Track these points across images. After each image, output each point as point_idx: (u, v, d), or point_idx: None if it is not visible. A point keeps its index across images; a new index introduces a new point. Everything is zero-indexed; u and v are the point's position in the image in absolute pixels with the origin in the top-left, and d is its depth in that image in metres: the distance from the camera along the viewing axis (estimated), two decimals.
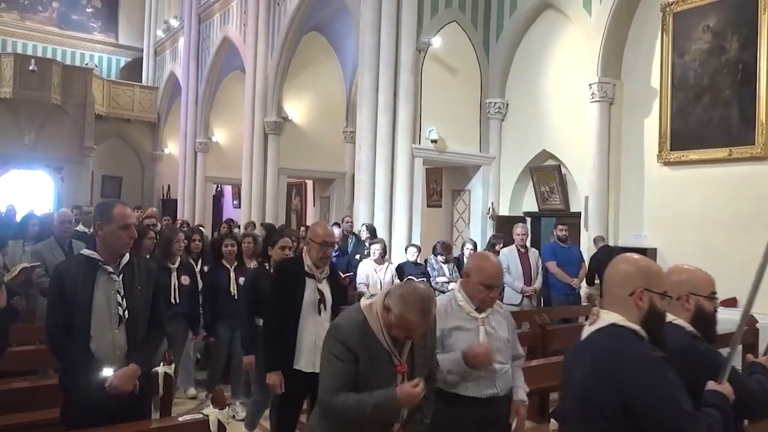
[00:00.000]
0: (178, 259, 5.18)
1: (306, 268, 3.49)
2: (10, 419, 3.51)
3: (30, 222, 6.02)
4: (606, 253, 7.98)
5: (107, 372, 2.59)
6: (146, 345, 2.78)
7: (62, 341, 2.63)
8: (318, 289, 3.51)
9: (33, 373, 4.40)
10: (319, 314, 3.47)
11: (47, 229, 5.92)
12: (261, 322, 3.94)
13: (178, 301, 5.04)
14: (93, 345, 2.62)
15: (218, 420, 2.51)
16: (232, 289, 5.27)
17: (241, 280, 5.06)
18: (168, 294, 4.82)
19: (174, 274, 5.09)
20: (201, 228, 11.21)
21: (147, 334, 2.79)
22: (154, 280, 2.86)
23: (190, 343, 5.51)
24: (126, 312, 2.66)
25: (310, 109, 14.33)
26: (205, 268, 5.85)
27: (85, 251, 2.76)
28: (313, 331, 3.44)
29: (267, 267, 4.32)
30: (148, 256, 4.98)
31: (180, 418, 2.58)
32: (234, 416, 4.95)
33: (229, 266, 5.44)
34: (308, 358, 3.42)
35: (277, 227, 9.74)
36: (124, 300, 2.67)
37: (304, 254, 3.58)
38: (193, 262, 5.75)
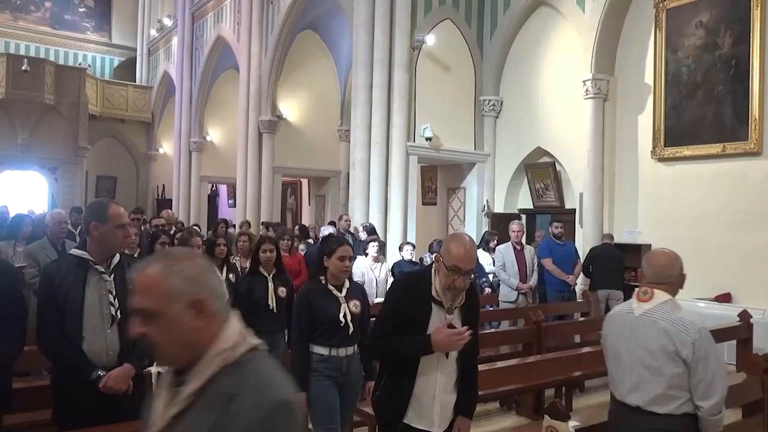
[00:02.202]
0: None
1: (433, 292, 2.55)
2: (6, 420, 3.49)
3: (23, 222, 5.98)
4: (601, 250, 8.04)
5: (100, 372, 2.58)
6: (140, 345, 2.76)
7: (54, 342, 2.61)
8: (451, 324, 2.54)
9: (27, 374, 4.38)
10: (446, 356, 2.53)
11: (39, 229, 5.89)
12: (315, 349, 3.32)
13: None
14: (85, 346, 2.60)
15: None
16: (270, 302, 4.50)
17: (281, 290, 4.55)
18: None
19: None
20: (197, 228, 11.20)
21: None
22: None
23: None
24: (118, 312, 2.65)
25: (305, 107, 14.30)
26: (231, 276, 5.20)
27: (75, 251, 2.73)
28: (433, 379, 2.54)
29: (323, 281, 3.38)
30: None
31: None
32: None
33: (267, 274, 4.61)
34: (427, 414, 2.54)
35: (272, 225, 9.74)
36: (116, 300, 2.65)
37: (432, 273, 2.62)
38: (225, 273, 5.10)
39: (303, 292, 3.45)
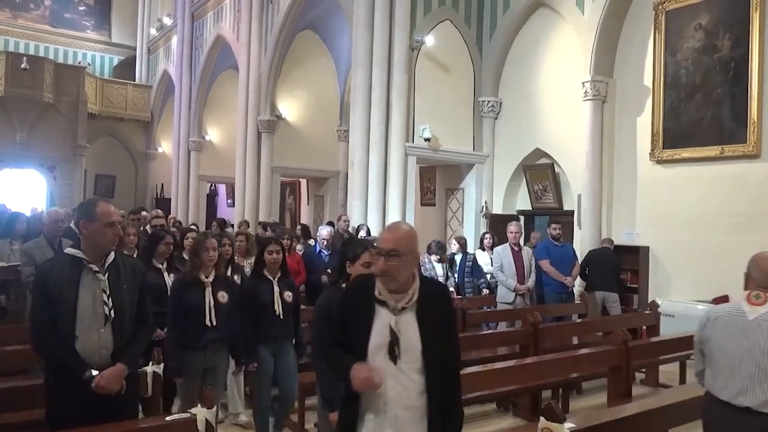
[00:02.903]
0: (212, 270, 4.05)
1: (376, 292, 2.27)
2: (2, 419, 3.48)
3: (17, 220, 5.98)
4: (598, 252, 8.06)
5: (93, 372, 2.57)
6: (133, 344, 2.75)
7: (46, 341, 2.60)
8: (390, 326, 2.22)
9: (22, 372, 4.37)
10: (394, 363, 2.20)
11: (35, 228, 5.88)
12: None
13: (215, 323, 3.93)
14: (78, 345, 2.59)
15: (206, 419, 2.49)
16: (276, 308, 4.19)
17: (287, 295, 4.26)
18: (202, 315, 3.89)
19: (209, 290, 3.96)
20: (194, 227, 11.17)
21: (134, 333, 2.76)
22: (141, 278, 2.84)
23: (234, 375, 4.60)
24: (112, 311, 2.63)
25: (304, 107, 14.29)
26: (236, 277, 4.95)
27: (70, 250, 2.73)
28: (382, 394, 2.20)
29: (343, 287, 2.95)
30: (163, 264, 4.62)
31: (167, 418, 2.56)
32: None
33: (271, 278, 4.27)
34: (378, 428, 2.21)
35: (270, 225, 9.71)
36: (110, 299, 2.64)
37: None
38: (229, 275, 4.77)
39: (325, 302, 2.98)
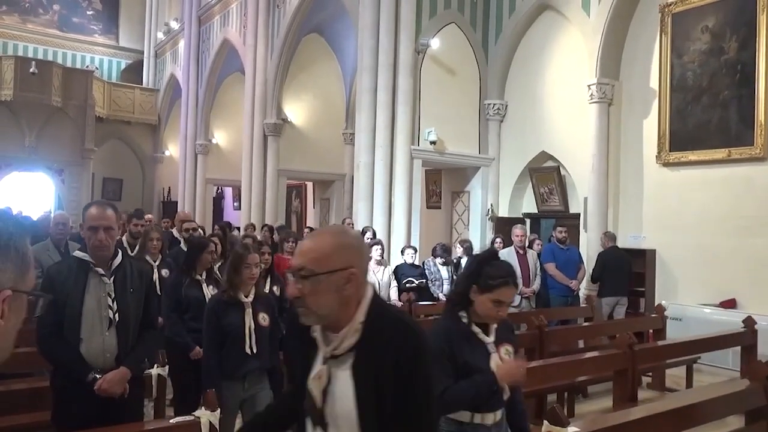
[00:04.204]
0: (252, 288, 3.52)
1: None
2: (8, 421, 3.51)
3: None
4: (613, 256, 7.88)
5: (96, 375, 2.58)
6: (138, 348, 2.77)
7: (51, 343, 2.62)
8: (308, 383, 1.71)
9: (30, 375, 4.40)
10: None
11: (41, 231, 5.92)
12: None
13: (255, 351, 3.39)
14: (83, 348, 2.61)
15: (210, 422, 2.49)
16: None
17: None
18: (242, 340, 3.35)
19: (248, 312, 3.43)
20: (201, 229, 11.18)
21: (140, 336, 2.77)
22: (148, 282, 2.85)
23: None
24: (116, 315, 2.65)
25: (310, 110, 14.33)
26: (275, 288, 4.54)
27: (78, 253, 2.75)
28: None
29: (467, 321, 2.39)
30: (202, 275, 4.21)
31: (171, 420, 2.56)
32: None
33: None
34: None
35: (276, 227, 9.74)
36: (115, 303, 2.66)
37: None
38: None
39: (439, 336, 2.28)
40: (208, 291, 4.19)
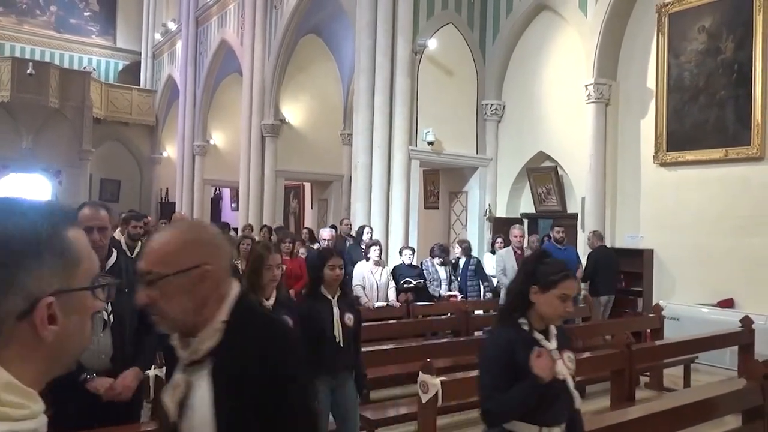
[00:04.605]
0: (273, 291, 3.30)
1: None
2: None
3: None
4: (603, 254, 7.99)
5: (87, 375, 2.57)
6: (147, 350, 2.77)
7: None
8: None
9: None
10: None
11: None
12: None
13: None
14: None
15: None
16: (336, 332, 3.52)
17: (348, 317, 3.58)
18: None
19: None
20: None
21: (139, 341, 2.76)
22: None
23: None
24: (111, 316, 2.64)
25: (308, 111, 14.33)
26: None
27: None
28: None
29: (527, 327, 2.30)
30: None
31: None
32: None
33: (330, 296, 3.61)
34: None
35: (274, 229, 9.74)
36: (109, 303, 2.64)
37: None
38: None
39: (498, 341, 2.27)
40: None
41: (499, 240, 8.44)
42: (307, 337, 3.31)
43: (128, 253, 5.15)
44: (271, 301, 3.24)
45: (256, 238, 8.75)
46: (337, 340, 3.48)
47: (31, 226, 0.81)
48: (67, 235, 0.84)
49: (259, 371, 1.31)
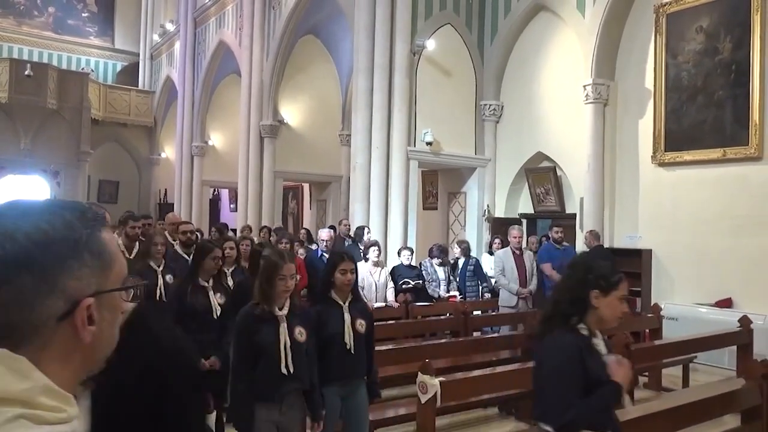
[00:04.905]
0: (287, 301, 3.18)
1: None
2: None
3: None
4: (600, 254, 7.99)
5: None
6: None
7: None
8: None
9: None
10: None
11: None
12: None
13: (292, 371, 3.06)
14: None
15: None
16: (347, 339, 3.38)
17: (360, 323, 3.45)
18: (276, 358, 3.04)
19: (283, 327, 3.09)
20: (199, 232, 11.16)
21: None
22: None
23: None
24: None
25: (306, 112, 14.33)
26: None
27: None
28: None
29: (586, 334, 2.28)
30: (209, 282, 4.02)
31: None
32: None
33: (341, 302, 3.47)
34: None
35: (273, 230, 9.73)
36: None
37: None
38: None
39: (564, 347, 2.20)
40: (216, 299, 3.96)
41: (497, 241, 8.44)
42: (319, 341, 3.27)
43: (127, 254, 5.15)
44: (285, 311, 3.11)
45: (255, 240, 8.76)
46: (348, 348, 3.36)
47: (68, 226, 0.80)
48: (102, 236, 0.84)
49: (139, 391, 1.23)
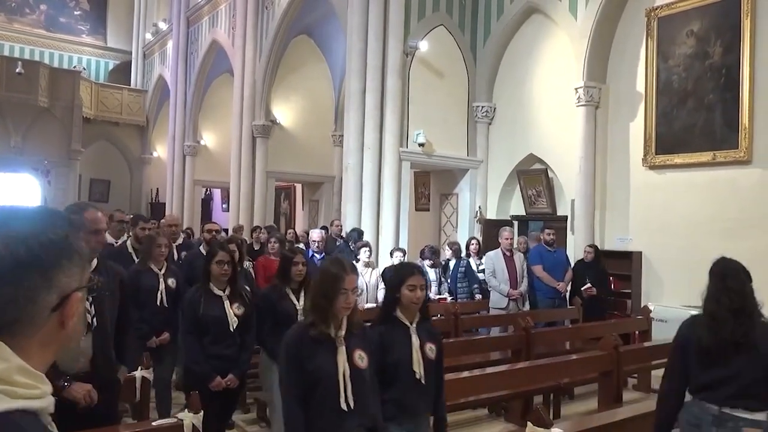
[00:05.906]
0: (345, 319, 2.67)
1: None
2: None
3: None
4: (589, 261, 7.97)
5: (65, 383, 2.53)
6: (127, 352, 2.77)
7: None
8: None
9: None
10: None
11: None
12: None
13: (353, 406, 2.54)
14: (59, 351, 2.57)
15: (193, 424, 2.47)
16: (415, 367, 2.83)
17: (430, 347, 2.88)
18: (335, 391, 2.55)
19: (342, 351, 2.61)
20: (189, 231, 11.14)
21: (123, 342, 2.76)
22: (119, 285, 2.83)
23: None
24: (95, 319, 2.62)
25: (299, 112, 14.32)
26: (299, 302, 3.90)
27: None
28: None
29: None
30: (224, 292, 3.71)
31: (154, 423, 2.55)
32: None
33: (408, 322, 2.90)
34: None
35: (264, 227, 9.70)
36: (93, 306, 2.63)
37: None
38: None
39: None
40: (232, 310, 3.64)
41: (474, 242, 8.46)
42: (376, 371, 2.66)
43: (134, 257, 5.06)
44: (343, 332, 2.56)
45: (248, 240, 8.74)
46: (418, 377, 2.75)
47: (62, 230, 0.96)
48: (81, 239, 1.04)
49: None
